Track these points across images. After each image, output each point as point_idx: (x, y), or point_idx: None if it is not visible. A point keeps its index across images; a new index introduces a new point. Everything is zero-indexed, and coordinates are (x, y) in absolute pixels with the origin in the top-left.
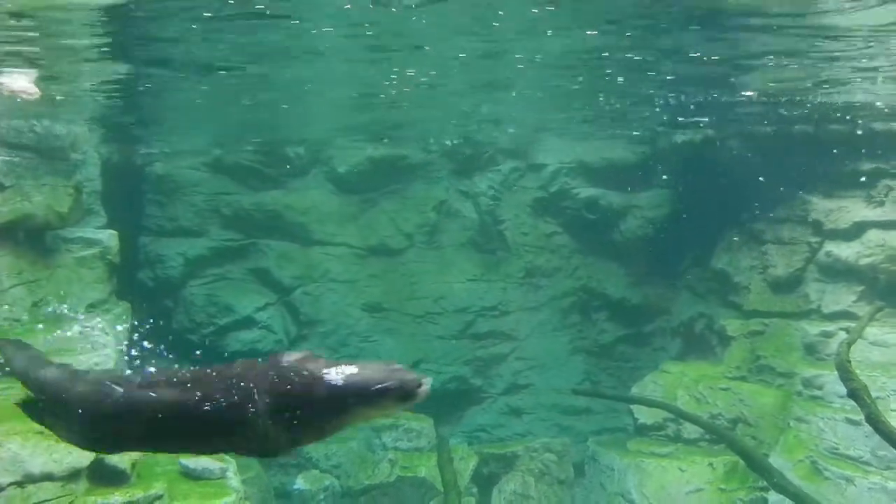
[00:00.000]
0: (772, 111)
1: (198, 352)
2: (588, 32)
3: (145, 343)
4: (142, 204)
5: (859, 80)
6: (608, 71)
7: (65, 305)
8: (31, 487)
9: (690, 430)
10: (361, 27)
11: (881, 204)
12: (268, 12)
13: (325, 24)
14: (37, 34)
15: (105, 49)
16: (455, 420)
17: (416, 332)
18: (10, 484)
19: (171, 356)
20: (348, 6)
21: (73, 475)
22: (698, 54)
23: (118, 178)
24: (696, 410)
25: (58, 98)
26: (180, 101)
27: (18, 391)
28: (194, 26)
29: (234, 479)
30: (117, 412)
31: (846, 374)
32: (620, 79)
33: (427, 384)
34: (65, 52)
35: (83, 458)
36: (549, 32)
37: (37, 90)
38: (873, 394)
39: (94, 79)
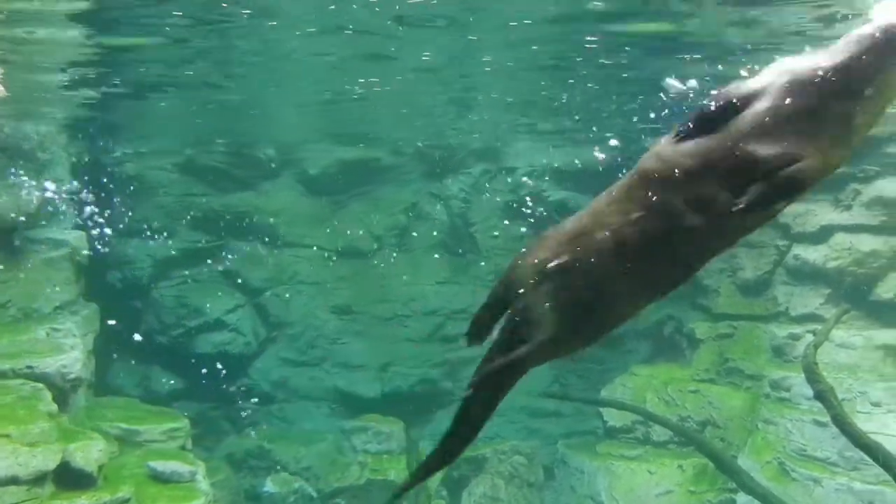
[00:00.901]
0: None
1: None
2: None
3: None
4: (111, 205)
5: None
6: (583, 72)
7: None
8: None
9: (660, 433)
10: (333, 29)
11: (848, 208)
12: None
13: (297, 28)
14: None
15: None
16: (424, 423)
17: (386, 335)
18: None
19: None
20: (333, 6)
21: (38, 479)
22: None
23: (87, 179)
24: (665, 413)
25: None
26: (150, 103)
27: None
28: (167, 28)
29: (202, 483)
30: None
31: (813, 376)
32: (590, 84)
33: None
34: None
35: (49, 461)
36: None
37: (2, 89)
38: (840, 396)
39: (63, 78)
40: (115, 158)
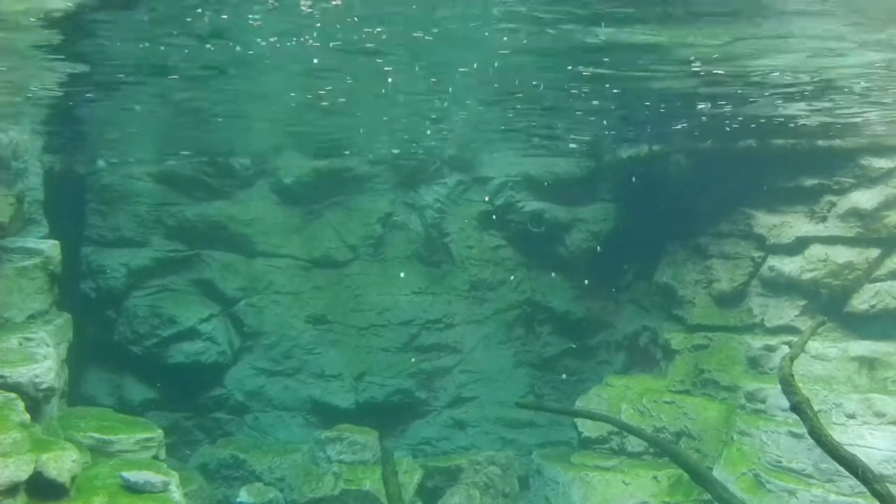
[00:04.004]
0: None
1: None
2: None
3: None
4: (84, 214)
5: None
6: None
7: (4, 316)
8: None
9: (634, 444)
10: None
11: (823, 219)
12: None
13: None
14: None
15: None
16: (399, 433)
17: (361, 345)
18: None
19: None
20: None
21: (10, 490)
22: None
23: (61, 188)
24: (640, 424)
25: None
26: (123, 112)
27: None
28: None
29: (176, 493)
30: None
31: (789, 387)
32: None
33: None
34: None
35: (22, 471)
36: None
37: None
38: (815, 407)
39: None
40: (89, 167)
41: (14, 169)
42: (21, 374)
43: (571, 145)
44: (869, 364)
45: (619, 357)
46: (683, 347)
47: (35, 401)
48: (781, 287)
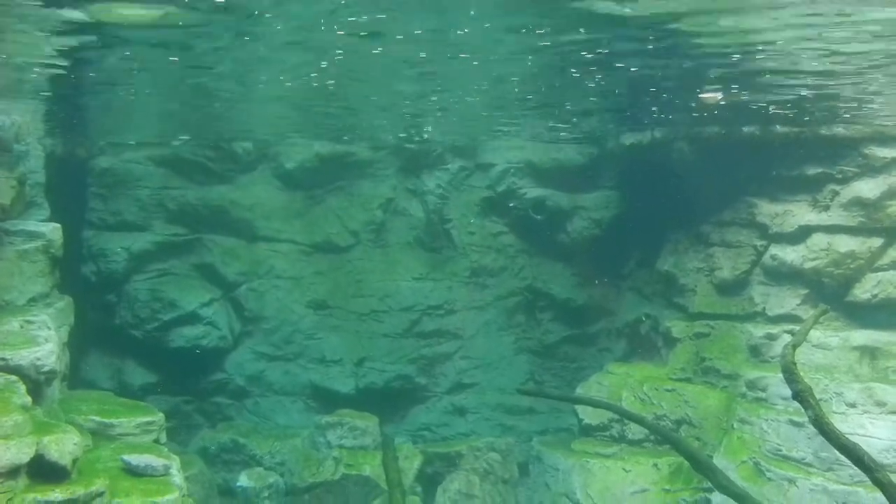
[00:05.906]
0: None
1: None
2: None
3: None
4: (85, 197)
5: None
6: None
7: (6, 298)
8: None
9: (635, 431)
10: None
11: (826, 208)
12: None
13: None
14: None
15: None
16: (399, 419)
17: (361, 330)
18: None
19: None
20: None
21: (12, 472)
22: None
23: (62, 171)
24: (640, 411)
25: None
26: (125, 93)
27: None
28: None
29: (177, 476)
30: None
31: (792, 376)
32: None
33: None
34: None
35: (22, 454)
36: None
37: None
38: (816, 396)
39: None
40: (90, 150)
41: (16, 151)
42: (22, 356)
43: (583, 134)
44: (870, 353)
45: (619, 344)
46: (684, 335)
47: (36, 384)
48: (783, 276)
